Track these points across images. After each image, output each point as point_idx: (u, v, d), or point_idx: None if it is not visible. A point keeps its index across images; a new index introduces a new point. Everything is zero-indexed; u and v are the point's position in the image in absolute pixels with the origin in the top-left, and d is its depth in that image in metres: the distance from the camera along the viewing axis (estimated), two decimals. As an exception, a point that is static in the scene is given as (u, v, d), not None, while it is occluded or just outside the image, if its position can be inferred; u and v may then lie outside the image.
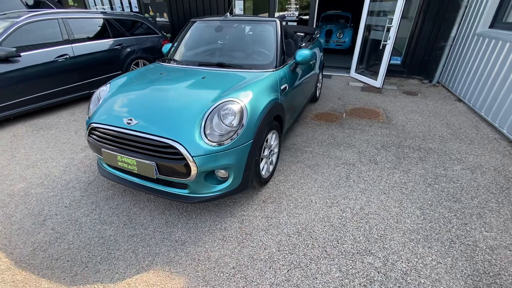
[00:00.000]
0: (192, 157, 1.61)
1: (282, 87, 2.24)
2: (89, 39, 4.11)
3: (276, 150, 2.35)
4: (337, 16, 9.14)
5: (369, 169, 2.49)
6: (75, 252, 1.66)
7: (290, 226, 1.84)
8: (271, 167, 2.30)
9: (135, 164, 1.74)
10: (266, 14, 6.28)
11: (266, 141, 2.09)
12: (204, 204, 2.04)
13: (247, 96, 1.83)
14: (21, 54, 3.33)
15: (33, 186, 2.28)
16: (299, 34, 4.08)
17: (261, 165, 2.08)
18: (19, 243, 1.73)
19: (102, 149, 1.82)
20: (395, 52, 5.60)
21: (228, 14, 2.81)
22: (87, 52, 4.02)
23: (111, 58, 4.38)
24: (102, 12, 4.47)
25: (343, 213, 1.96)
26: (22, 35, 3.40)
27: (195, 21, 2.90)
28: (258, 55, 2.45)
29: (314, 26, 5.85)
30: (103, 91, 2.14)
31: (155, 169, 1.69)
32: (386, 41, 4.55)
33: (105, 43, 4.30)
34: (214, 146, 1.64)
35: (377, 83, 4.99)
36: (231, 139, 1.67)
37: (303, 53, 2.40)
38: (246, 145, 1.74)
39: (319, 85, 4.25)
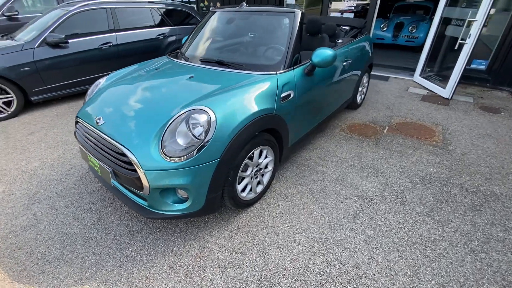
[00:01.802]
0: (144, 170, 1.41)
1: (284, 94, 1.83)
2: (132, 28, 4.29)
3: (269, 168, 1.98)
4: (415, 6, 7.70)
5: (390, 210, 1.91)
6: (37, 245, 1.67)
7: (253, 269, 1.50)
8: (260, 188, 1.95)
9: (98, 166, 1.64)
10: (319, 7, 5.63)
11: (252, 158, 1.75)
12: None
13: (223, 104, 1.51)
14: (69, 41, 3.65)
15: (44, 167, 2.45)
16: (343, 28, 3.46)
17: (241, 186, 1.76)
18: (1, 223, 1.84)
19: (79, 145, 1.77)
20: (480, 54, 4.35)
21: (244, 3, 2.47)
22: (129, 41, 4.22)
23: (152, 47, 4.52)
24: (148, 1, 4.61)
25: (328, 267, 1.51)
26: (73, 23, 3.72)
27: (215, 11, 2.65)
28: (264, 53, 2.07)
29: (374, 17, 4.97)
30: (99, 83, 2.11)
31: (112, 175, 1.55)
32: (465, 40, 3.51)
33: (147, 32, 4.44)
34: (170, 161, 1.39)
35: (445, 92, 3.96)
36: (188, 157, 1.40)
37: (322, 53, 1.91)
38: (209, 164, 1.44)
39: (362, 89, 3.58)
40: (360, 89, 3.49)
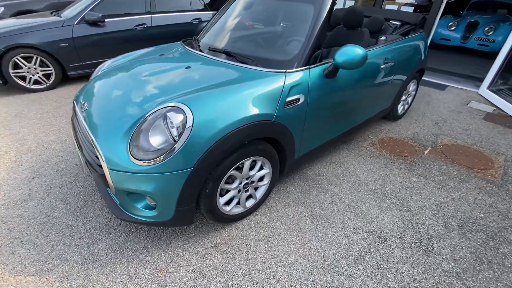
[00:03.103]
0: (109, 169, 1.26)
1: (290, 98, 1.52)
2: (168, 11, 4.24)
3: (265, 181, 1.70)
4: (497, 4, 6.39)
5: (407, 260, 1.50)
6: (19, 223, 1.67)
7: (216, 301, 1.28)
8: (251, 202, 1.70)
9: (79, 154, 1.55)
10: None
11: (240, 170, 1.50)
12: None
13: (206, 103, 1.27)
14: (106, 20, 3.73)
15: (57, 142, 2.53)
16: (393, 22, 2.91)
17: (225, 198, 1.52)
18: (1, 193, 1.90)
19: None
20: None
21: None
22: (163, 24, 4.18)
23: (186, 31, 4.44)
24: (188, -16, 4.51)
25: (304, 321, 1.21)
26: (111, 3, 3.79)
27: (238, -4, 2.38)
28: (278, 46, 1.75)
29: (439, 13, 4.17)
30: (103, 66, 2.03)
31: (86, 166, 1.44)
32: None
33: (182, 16, 4.37)
34: (137, 164, 1.22)
35: (520, 113, 3.16)
36: (155, 161, 1.20)
37: (348, 51, 1.53)
38: (179, 173, 1.23)
39: (406, 98, 3.02)
40: (403, 97, 2.94)
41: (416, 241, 1.62)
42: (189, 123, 1.21)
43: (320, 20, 1.64)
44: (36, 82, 3.60)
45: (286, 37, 1.76)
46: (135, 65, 1.82)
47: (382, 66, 2.19)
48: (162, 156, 1.19)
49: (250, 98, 1.38)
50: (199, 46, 2.06)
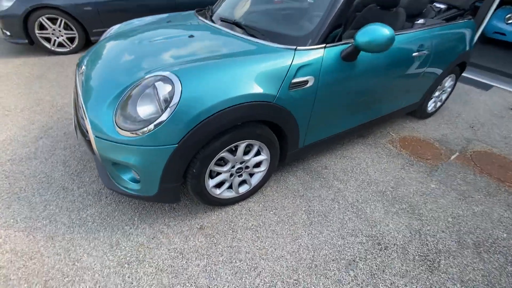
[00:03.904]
0: (94, 136, 1.21)
1: (297, 80, 1.35)
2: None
3: (262, 168, 1.59)
4: None
5: (406, 274, 1.35)
6: (20, 179, 1.72)
7: (187, 287, 1.23)
8: (244, 188, 1.60)
9: (73, 117, 1.52)
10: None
11: (233, 152, 1.39)
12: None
13: (199, 76, 1.15)
14: (130, -14, 3.65)
15: (70, 105, 2.56)
16: (437, 5, 2.53)
17: (215, 180, 1.44)
18: (9, 149, 1.96)
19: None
20: None
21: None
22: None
23: (212, 2, 4.26)
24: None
25: (278, 321, 1.13)
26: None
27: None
28: (293, 20, 1.56)
29: (496, 2, 3.60)
30: (111, 29, 1.96)
31: (76, 129, 1.41)
32: None
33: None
34: (121, 134, 1.15)
35: None
36: (138, 133, 1.12)
37: (372, 31, 1.31)
38: (162, 149, 1.15)
39: (440, 94, 2.68)
40: (436, 93, 2.61)
41: (421, 255, 1.45)
42: (177, 96, 1.10)
43: (343, -7, 1.42)
44: (60, 45, 3.67)
45: (302, 11, 1.56)
46: (139, 32, 1.72)
47: (415, 54, 1.91)
48: (146, 128, 1.11)
49: (250, 75, 1.23)
50: (212, 16, 1.91)
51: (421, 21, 2.06)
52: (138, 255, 1.33)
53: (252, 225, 1.53)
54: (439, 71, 2.31)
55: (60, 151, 1.98)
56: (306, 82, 1.39)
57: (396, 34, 1.40)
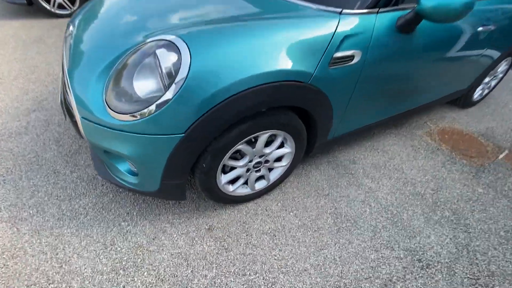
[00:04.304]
0: (80, 116, 0.96)
1: (341, 54, 1.03)
2: None
3: (284, 163, 1.33)
4: None
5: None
6: (8, 158, 1.52)
7: (195, 301, 1.03)
8: (261, 184, 1.36)
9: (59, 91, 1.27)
10: None
11: (252, 144, 1.13)
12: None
13: (213, 43, 0.86)
14: None
15: (68, 74, 2.31)
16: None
17: (228, 176, 1.19)
18: (4, 122, 1.75)
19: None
20: None
21: None
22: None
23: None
24: None
25: None
26: None
27: None
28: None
29: None
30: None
31: (62, 106, 1.17)
32: None
33: None
34: (113, 116, 0.89)
35: None
36: (133, 116, 0.86)
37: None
38: (164, 138, 0.89)
39: (489, 80, 2.29)
40: (487, 79, 2.22)
41: (471, 277, 1.20)
42: (184, 69, 0.82)
43: None
44: (61, 6, 3.33)
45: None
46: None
47: (480, 29, 1.53)
48: (146, 109, 0.85)
49: (280, 45, 0.92)
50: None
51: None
52: (136, 259, 1.13)
53: (269, 228, 1.30)
54: (497, 53, 1.92)
55: (54, 127, 1.76)
56: (352, 57, 1.07)
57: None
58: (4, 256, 1.10)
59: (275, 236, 1.27)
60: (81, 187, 1.40)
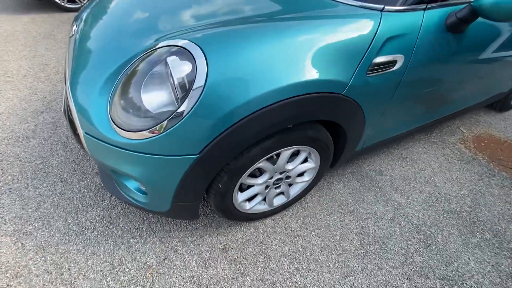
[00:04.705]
0: (83, 131, 0.85)
1: (382, 59, 0.88)
2: None
3: (306, 178, 1.20)
4: None
5: None
6: (14, 164, 1.45)
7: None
8: (280, 200, 1.23)
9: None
10: None
11: (273, 159, 1.00)
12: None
13: (232, 49, 0.73)
14: None
15: (77, 72, 2.23)
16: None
17: (245, 194, 1.08)
18: (7, 124, 1.69)
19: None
20: None
21: None
22: None
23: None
24: None
25: None
26: None
27: None
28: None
29: None
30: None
31: (66, 115, 1.07)
32: None
33: None
34: (119, 133, 0.78)
35: None
36: (143, 134, 0.75)
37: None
38: (175, 159, 0.78)
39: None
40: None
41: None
42: (200, 81, 0.70)
43: None
44: (71, 0, 3.25)
45: None
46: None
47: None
48: (158, 126, 0.73)
49: (310, 51, 0.78)
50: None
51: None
52: (145, 283, 1.05)
53: (289, 250, 1.18)
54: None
55: (62, 130, 1.68)
56: (393, 63, 0.92)
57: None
58: (7, 275, 1.04)
59: (296, 259, 1.15)
60: (89, 198, 1.32)
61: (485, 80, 1.50)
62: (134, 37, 0.92)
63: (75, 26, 1.15)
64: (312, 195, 1.42)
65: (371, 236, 1.26)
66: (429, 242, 1.27)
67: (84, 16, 1.19)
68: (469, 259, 1.22)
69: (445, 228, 1.33)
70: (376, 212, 1.37)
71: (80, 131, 0.86)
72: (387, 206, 1.40)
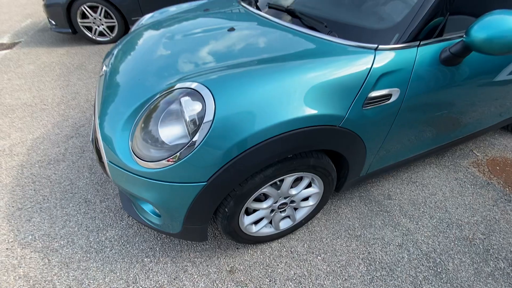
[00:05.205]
0: (107, 160, 0.97)
1: (377, 93, 0.95)
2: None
3: (311, 203, 1.24)
4: None
5: None
6: (46, 185, 1.61)
7: None
8: (286, 223, 1.28)
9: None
10: None
11: (277, 185, 1.06)
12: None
13: (238, 89, 0.83)
14: (169, -32, 3.40)
15: (104, 99, 2.45)
16: None
17: (251, 218, 1.14)
18: (40, 148, 1.88)
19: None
20: None
21: None
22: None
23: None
24: None
25: None
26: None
27: None
28: (369, 7, 1.12)
29: None
30: (142, 19, 1.71)
31: (94, 144, 1.20)
32: None
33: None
34: (139, 163, 0.89)
35: None
36: (160, 164, 0.85)
37: (498, 21, 0.85)
38: (186, 187, 0.87)
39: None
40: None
41: None
42: (208, 117, 0.80)
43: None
44: (101, 34, 3.61)
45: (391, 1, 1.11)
46: (168, 24, 1.44)
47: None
48: (171, 157, 0.83)
49: (309, 88, 0.87)
50: (257, 1, 1.55)
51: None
52: (155, 301, 1.11)
53: (294, 274, 1.21)
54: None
55: (88, 154, 1.84)
56: (389, 96, 0.98)
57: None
58: (34, 289, 1.14)
59: (301, 284, 1.17)
60: (109, 218, 1.43)
61: (495, 103, 1.50)
62: (156, 75, 1.05)
63: (104, 66, 1.31)
64: (319, 218, 1.45)
65: (378, 262, 1.26)
66: (439, 270, 1.24)
67: (114, 52, 1.37)
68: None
69: (456, 256, 1.30)
70: (383, 237, 1.37)
71: (105, 160, 0.98)
72: (395, 231, 1.40)
